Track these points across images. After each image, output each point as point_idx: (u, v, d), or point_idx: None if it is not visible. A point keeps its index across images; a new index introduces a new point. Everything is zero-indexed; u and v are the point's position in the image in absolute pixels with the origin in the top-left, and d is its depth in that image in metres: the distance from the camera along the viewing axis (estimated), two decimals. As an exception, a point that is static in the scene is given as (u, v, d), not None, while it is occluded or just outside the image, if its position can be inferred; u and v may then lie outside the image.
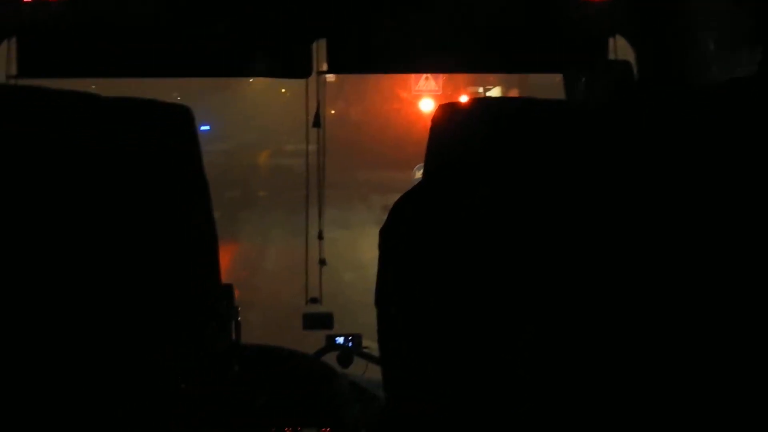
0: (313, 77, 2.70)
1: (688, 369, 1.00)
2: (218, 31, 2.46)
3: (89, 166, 1.19)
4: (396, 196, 1.23)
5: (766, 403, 0.98)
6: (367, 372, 2.56)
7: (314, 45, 2.51)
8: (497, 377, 1.06)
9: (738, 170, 1.01)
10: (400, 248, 1.17)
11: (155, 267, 1.19)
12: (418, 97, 16.33)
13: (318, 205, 3.40)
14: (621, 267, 1.03)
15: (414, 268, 1.14)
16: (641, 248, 1.02)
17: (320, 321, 2.81)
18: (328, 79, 3.03)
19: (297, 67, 2.53)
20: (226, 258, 1.45)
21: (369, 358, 2.60)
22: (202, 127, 1.39)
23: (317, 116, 3.05)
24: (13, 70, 2.42)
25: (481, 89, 16.36)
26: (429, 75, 15.67)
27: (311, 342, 2.65)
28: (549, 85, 2.42)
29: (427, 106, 15.13)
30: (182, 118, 1.37)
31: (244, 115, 23.19)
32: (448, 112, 1.51)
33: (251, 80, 23.22)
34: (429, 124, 1.47)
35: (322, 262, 3.38)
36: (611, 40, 2.52)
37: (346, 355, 2.60)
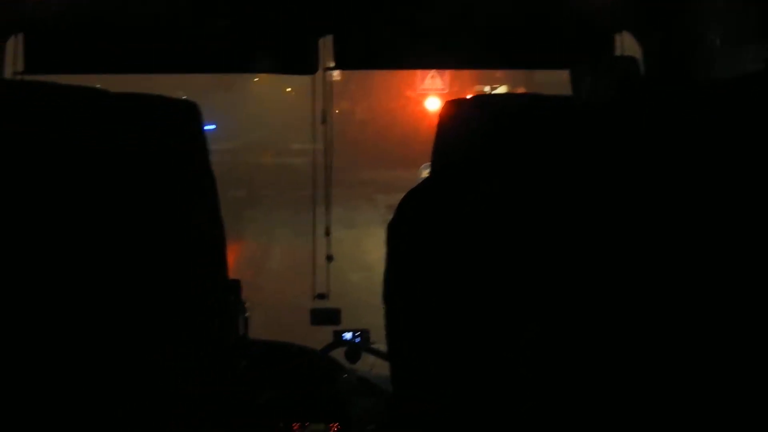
0: (319, 75, 2.70)
1: (692, 368, 1.00)
2: (225, 27, 2.46)
3: (96, 162, 1.19)
4: (402, 196, 1.23)
5: (767, 403, 0.98)
6: (374, 367, 2.57)
7: (321, 41, 2.51)
8: (499, 376, 1.06)
9: (744, 167, 1.01)
10: (404, 245, 1.18)
11: (158, 264, 1.19)
12: (424, 95, 16.30)
13: (325, 202, 3.41)
14: (625, 265, 1.02)
15: (418, 264, 1.14)
16: (645, 245, 1.02)
17: (328, 316, 2.82)
18: (333, 78, 3.03)
19: (303, 64, 2.52)
20: (231, 258, 1.45)
21: (377, 353, 2.60)
22: (208, 126, 1.39)
23: (324, 113, 3.06)
24: (20, 67, 2.42)
25: (487, 88, 16.32)
26: (435, 73, 15.66)
27: (317, 342, 2.65)
28: (556, 83, 2.42)
29: (433, 104, 15.11)
30: (189, 114, 1.38)
31: (249, 114, 23.18)
32: (454, 108, 1.51)
33: (256, 79, 23.22)
34: (435, 122, 1.47)
35: (330, 258, 3.38)
36: (617, 36, 2.51)
37: (353, 350, 2.61)
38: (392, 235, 1.20)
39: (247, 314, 1.91)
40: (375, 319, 1.32)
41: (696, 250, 1.00)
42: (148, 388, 1.18)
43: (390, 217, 1.22)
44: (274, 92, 23.90)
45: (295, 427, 2.14)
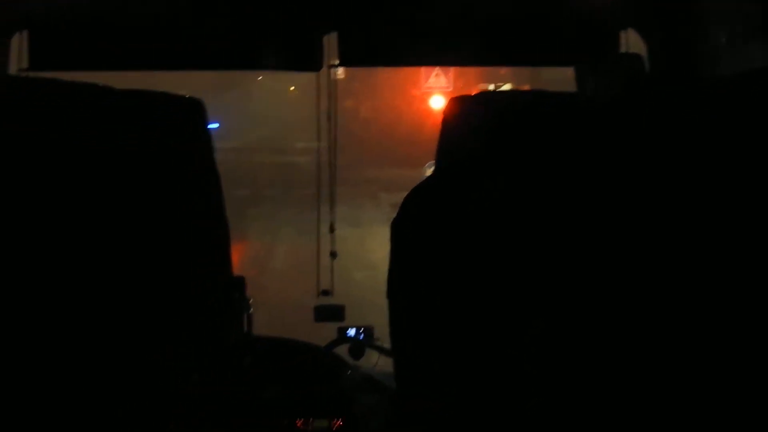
0: (323, 73, 2.70)
1: (698, 366, 1.00)
2: (229, 24, 2.46)
3: (98, 159, 1.19)
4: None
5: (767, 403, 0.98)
6: (378, 364, 2.57)
7: (325, 38, 2.51)
8: (504, 372, 1.05)
9: (750, 164, 1.01)
10: (408, 242, 1.17)
11: (159, 263, 1.19)
12: (428, 93, 16.31)
13: (329, 200, 3.42)
14: (630, 261, 1.02)
15: (422, 262, 1.14)
16: (652, 241, 1.02)
17: (332, 313, 2.83)
18: (337, 76, 3.03)
19: (308, 60, 2.52)
20: (234, 256, 1.45)
21: (381, 350, 2.60)
22: (211, 125, 1.39)
23: (329, 111, 3.06)
24: (25, 64, 2.43)
25: (492, 86, 16.32)
26: (439, 71, 15.66)
27: (321, 341, 2.65)
28: (561, 80, 2.42)
29: (438, 102, 15.12)
30: (194, 111, 1.38)
31: (253, 113, 23.19)
32: (458, 105, 1.51)
33: (260, 78, 23.24)
34: (439, 120, 1.47)
35: (333, 254, 3.39)
36: (622, 33, 2.51)
37: (357, 347, 2.61)
38: (396, 232, 1.20)
39: (251, 311, 1.91)
40: (379, 317, 1.32)
41: (702, 246, 1.00)
42: (148, 388, 1.17)
43: (394, 215, 1.22)
44: (278, 91, 23.93)
45: (298, 424, 2.15)
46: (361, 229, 10.71)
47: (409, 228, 1.18)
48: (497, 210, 1.09)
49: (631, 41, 2.50)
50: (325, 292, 3.28)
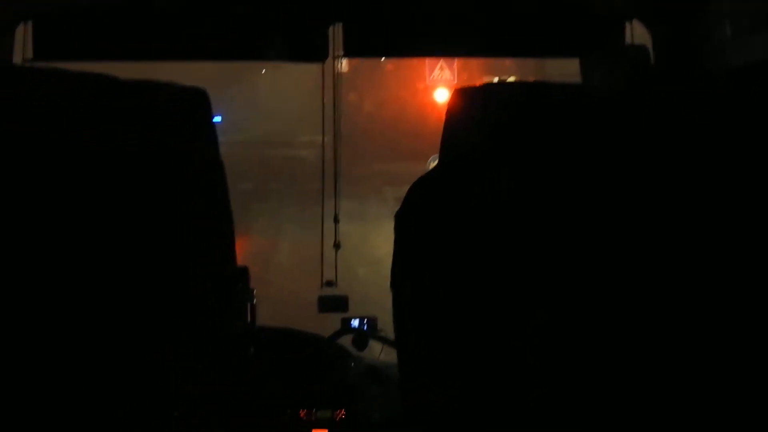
0: (328, 67, 2.69)
1: (700, 357, 1.00)
2: (234, 14, 2.46)
3: (100, 151, 1.19)
4: (410, 189, 1.23)
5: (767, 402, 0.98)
6: (382, 355, 2.57)
7: (331, 29, 2.50)
8: (507, 364, 1.06)
9: (755, 156, 1.01)
10: (412, 234, 1.17)
11: (160, 261, 1.18)
12: (432, 86, 16.29)
13: (334, 192, 3.41)
14: (633, 254, 1.02)
15: (425, 253, 1.14)
16: (654, 235, 1.02)
17: (335, 303, 2.83)
18: (342, 69, 3.02)
19: (313, 51, 2.52)
20: (238, 251, 1.44)
21: (384, 341, 2.60)
22: (214, 119, 1.38)
23: (333, 104, 3.06)
24: (29, 53, 2.42)
25: (496, 79, 16.29)
26: (444, 65, 15.64)
27: (324, 334, 2.65)
28: (565, 72, 2.41)
29: (442, 95, 15.09)
30: (198, 102, 1.37)
31: (257, 106, 23.18)
32: (462, 97, 1.50)
33: (263, 71, 23.21)
34: (443, 114, 1.46)
35: (337, 246, 3.39)
36: (628, 25, 2.50)
37: (361, 337, 2.61)
38: (400, 224, 1.20)
39: (254, 301, 1.91)
40: (382, 312, 1.32)
41: (706, 238, 1.00)
42: (149, 388, 1.17)
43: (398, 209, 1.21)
44: (283, 84, 23.89)
45: (302, 414, 2.15)
46: (365, 223, 10.70)
47: (413, 220, 1.18)
48: (500, 202, 1.09)
49: (637, 33, 2.49)
50: (329, 283, 3.28)
